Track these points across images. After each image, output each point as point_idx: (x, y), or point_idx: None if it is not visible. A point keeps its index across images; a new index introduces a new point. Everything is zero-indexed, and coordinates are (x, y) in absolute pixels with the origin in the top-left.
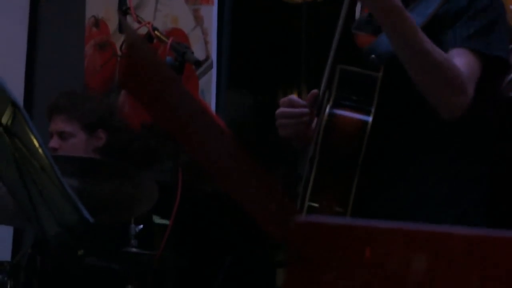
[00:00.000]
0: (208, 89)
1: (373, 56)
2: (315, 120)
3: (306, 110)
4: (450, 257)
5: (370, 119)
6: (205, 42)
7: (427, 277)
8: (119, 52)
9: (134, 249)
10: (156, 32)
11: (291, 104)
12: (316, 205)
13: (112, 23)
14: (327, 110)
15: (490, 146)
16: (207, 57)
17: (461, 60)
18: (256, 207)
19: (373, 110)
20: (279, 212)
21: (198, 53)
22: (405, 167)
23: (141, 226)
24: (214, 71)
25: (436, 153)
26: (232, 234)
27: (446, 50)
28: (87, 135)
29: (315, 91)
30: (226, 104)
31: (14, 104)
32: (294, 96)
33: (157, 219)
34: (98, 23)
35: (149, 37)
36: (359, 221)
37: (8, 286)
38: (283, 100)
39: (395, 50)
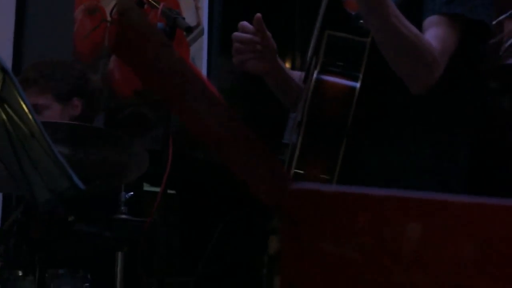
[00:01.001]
0: (199, 56)
1: (361, 21)
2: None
3: (254, 37)
4: (444, 225)
5: (358, 85)
6: (196, 8)
7: (421, 244)
8: (108, 18)
9: (124, 216)
10: None
11: (243, 30)
12: (302, 172)
13: None
14: (315, 75)
15: (472, 115)
16: (198, 24)
17: (436, 31)
18: (249, 174)
19: (361, 76)
20: (271, 179)
21: (189, 19)
22: (389, 134)
23: (131, 193)
24: (205, 37)
25: (419, 120)
26: (225, 200)
27: (425, 17)
28: (61, 105)
29: (259, 15)
30: (217, 71)
31: (3, 69)
32: (245, 23)
33: (147, 186)
34: None
35: (140, 2)
36: (353, 188)
37: None
38: (239, 25)
39: (367, 23)
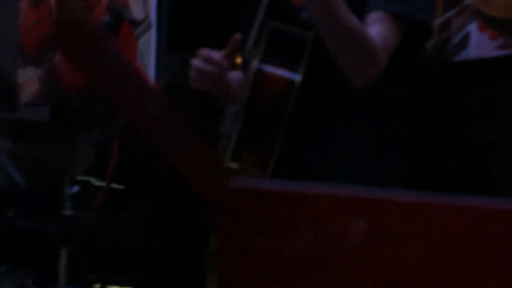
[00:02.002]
0: (147, 49)
1: (305, 14)
2: (237, 74)
3: (218, 70)
4: (386, 222)
5: (298, 77)
6: (144, 1)
7: (363, 241)
8: (54, 9)
9: (68, 212)
10: None
11: (206, 59)
12: (236, 165)
13: None
14: (255, 66)
15: (412, 112)
16: (146, 17)
17: (379, 27)
18: (190, 169)
19: (301, 69)
20: (210, 175)
21: (137, 13)
22: (327, 128)
23: (76, 188)
24: (153, 31)
25: (357, 115)
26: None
27: (369, 11)
28: None
29: (237, 36)
30: (166, 64)
31: None
32: (208, 51)
33: (96, 182)
34: None
35: None
36: (293, 185)
37: None
38: (200, 52)
39: (312, 13)
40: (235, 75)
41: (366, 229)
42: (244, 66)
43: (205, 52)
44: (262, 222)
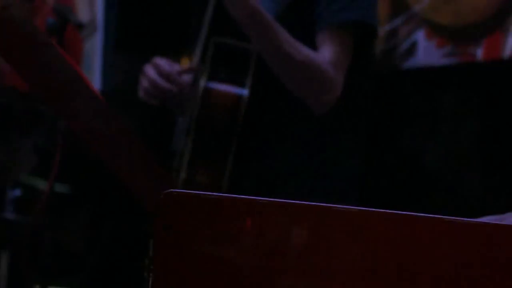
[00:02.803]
0: (93, 52)
1: (245, 31)
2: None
3: (174, 88)
4: (329, 231)
5: (245, 92)
6: (91, 3)
7: (307, 249)
8: None
9: (9, 215)
10: None
11: (162, 74)
12: (191, 179)
13: None
14: (202, 83)
15: (363, 121)
16: (93, 19)
17: (330, 47)
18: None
19: (248, 83)
20: (151, 181)
21: (83, 15)
22: (279, 140)
23: (18, 191)
24: (100, 33)
25: (309, 125)
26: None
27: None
28: None
29: (194, 65)
30: (112, 68)
31: None
32: (165, 64)
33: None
34: None
35: None
36: (238, 195)
37: None
38: (156, 63)
39: (260, 52)
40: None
41: (306, 237)
42: (193, 81)
43: (161, 63)
44: (198, 229)
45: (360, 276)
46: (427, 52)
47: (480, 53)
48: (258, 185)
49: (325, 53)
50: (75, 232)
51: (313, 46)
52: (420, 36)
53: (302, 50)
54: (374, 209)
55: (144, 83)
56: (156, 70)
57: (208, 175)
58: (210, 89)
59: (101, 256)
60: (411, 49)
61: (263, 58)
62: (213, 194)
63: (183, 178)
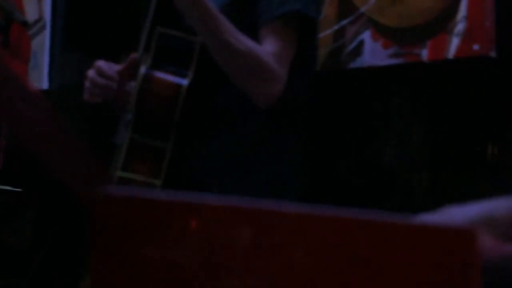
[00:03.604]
0: (41, 51)
1: (188, 20)
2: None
3: (112, 84)
4: (275, 233)
5: (186, 82)
6: (39, 1)
7: (253, 251)
8: None
9: None
10: None
11: (99, 73)
12: (127, 174)
13: None
14: (142, 72)
15: (304, 119)
16: (40, 17)
17: (272, 39)
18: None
19: (190, 74)
20: (89, 180)
21: (31, 13)
22: (218, 133)
23: None
24: (47, 31)
25: (249, 120)
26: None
27: (261, 23)
28: None
29: (135, 55)
30: (60, 66)
31: None
32: (103, 64)
33: None
34: None
35: None
36: (178, 195)
37: None
38: (95, 64)
39: (203, 42)
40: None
41: (252, 239)
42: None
43: (100, 64)
44: (136, 231)
45: (304, 277)
46: (373, 52)
47: (425, 54)
48: (195, 178)
49: (268, 46)
50: (21, 230)
51: (257, 41)
52: (367, 36)
53: (245, 41)
54: (317, 211)
55: (86, 84)
56: (95, 70)
57: (146, 166)
58: (150, 76)
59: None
60: (358, 50)
61: (207, 50)
62: (151, 196)
63: (120, 169)
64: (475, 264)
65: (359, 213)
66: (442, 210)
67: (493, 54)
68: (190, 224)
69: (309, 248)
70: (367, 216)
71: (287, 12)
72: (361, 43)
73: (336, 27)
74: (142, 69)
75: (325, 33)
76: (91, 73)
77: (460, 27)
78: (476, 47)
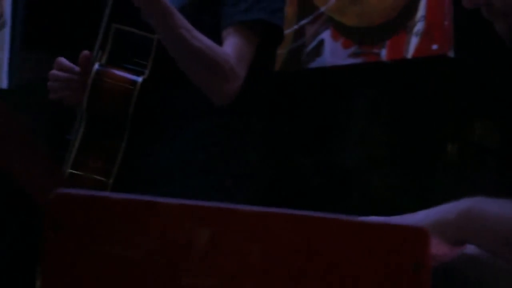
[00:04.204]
0: (1, 48)
1: (144, 16)
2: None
3: (72, 76)
4: (232, 232)
5: (140, 79)
6: None
7: (209, 249)
8: None
9: None
10: None
11: (60, 67)
12: (78, 172)
13: None
14: (96, 68)
15: (262, 116)
16: (0, 15)
17: (232, 41)
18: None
19: (146, 71)
20: (43, 178)
21: None
22: (172, 133)
23: None
24: (7, 29)
25: (204, 118)
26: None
27: (224, 24)
28: None
29: (86, 52)
30: (21, 65)
31: None
32: (62, 59)
33: None
34: None
35: None
36: (133, 195)
37: None
38: (55, 61)
39: (159, 37)
40: None
41: (209, 239)
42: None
43: (60, 59)
44: (90, 230)
45: (261, 275)
46: (333, 52)
47: (384, 53)
48: (147, 176)
49: (227, 46)
50: None
51: (216, 42)
52: (327, 36)
53: (203, 39)
54: (274, 210)
55: (49, 83)
56: (55, 65)
57: (97, 163)
58: (103, 72)
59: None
60: (318, 49)
61: (163, 49)
62: (108, 195)
63: (71, 166)
64: (426, 263)
65: (314, 212)
66: (394, 216)
67: (451, 54)
68: (147, 223)
69: (265, 247)
70: (321, 214)
71: (250, 21)
72: (321, 42)
73: (295, 27)
74: (96, 66)
75: (285, 33)
76: (52, 71)
77: (419, 26)
78: (435, 46)
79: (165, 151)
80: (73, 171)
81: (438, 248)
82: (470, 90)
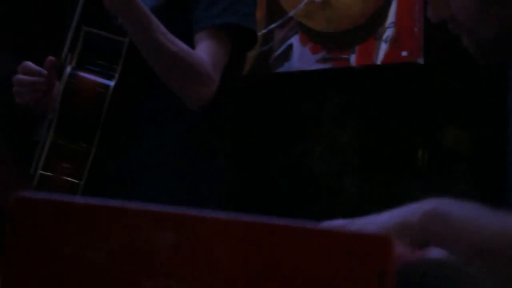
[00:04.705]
0: None
1: (120, 20)
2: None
3: (39, 79)
4: (195, 237)
5: (112, 83)
6: None
7: (173, 254)
8: None
9: None
10: None
11: (26, 71)
12: (49, 173)
13: None
14: (68, 71)
15: (231, 120)
16: None
17: (206, 44)
18: None
19: (117, 75)
20: (6, 182)
21: None
22: (142, 136)
23: None
24: None
25: (171, 124)
26: None
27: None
28: None
29: (52, 58)
30: None
31: None
32: (29, 63)
33: None
34: None
35: None
36: (97, 199)
37: None
38: (20, 66)
39: (133, 40)
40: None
41: (172, 244)
42: (60, 75)
43: (26, 63)
44: (53, 232)
45: (223, 281)
46: (301, 57)
47: (353, 59)
48: (118, 180)
49: (201, 50)
50: None
51: (188, 45)
52: (295, 41)
53: (177, 43)
54: (235, 217)
55: (14, 88)
56: (21, 69)
57: (68, 166)
58: (76, 77)
59: None
60: (286, 54)
61: (134, 52)
62: (65, 198)
63: (42, 168)
64: (390, 270)
65: (278, 219)
66: (358, 219)
67: (421, 61)
68: (110, 227)
69: (228, 253)
70: (284, 222)
71: (223, 24)
72: (290, 47)
73: (264, 31)
74: (68, 69)
75: None
76: (16, 76)
77: (389, 33)
78: (404, 53)
79: (137, 154)
80: (44, 173)
81: (401, 251)
82: (440, 96)
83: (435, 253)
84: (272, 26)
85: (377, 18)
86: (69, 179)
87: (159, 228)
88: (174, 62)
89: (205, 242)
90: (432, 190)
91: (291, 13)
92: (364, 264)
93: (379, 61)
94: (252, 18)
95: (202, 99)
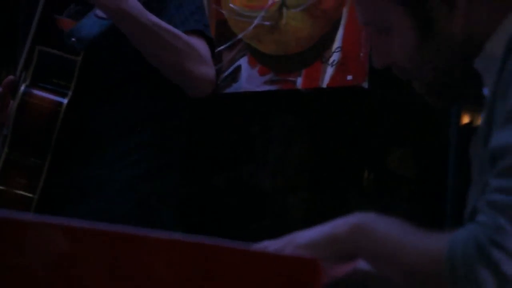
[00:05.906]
0: None
1: (73, 39)
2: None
3: None
4: (134, 256)
5: (65, 101)
6: None
7: (110, 274)
8: None
9: None
10: None
11: None
12: (2, 187)
13: None
14: (22, 89)
15: (181, 139)
16: None
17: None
18: None
19: (70, 93)
20: None
21: None
22: (93, 151)
23: None
24: None
25: (123, 140)
26: None
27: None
28: None
29: (11, 77)
30: None
31: None
32: None
33: None
34: None
35: None
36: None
37: None
38: None
39: (128, 35)
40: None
41: (111, 263)
42: (15, 93)
43: None
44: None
45: None
46: (249, 78)
47: (300, 81)
48: (74, 194)
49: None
50: None
51: None
52: (244, 62)
53: (174, 30)
54: (170, 236)
55: None
56: None
57: (21, 180)
58: (30, 95)
59: None
60: (235, 75)
61: (86, 71)
62: (13, 215)
63: None
64: None
65: (215, 239)
66: (290, 234)
67: (365, 85)
68: (21, 244)
69: (159, 273)
70: (218, 242)
71: (190, 31)
72: (238, 68)
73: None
74: (22, 87)
75: None
76: None
77: (335, 57)
78: (349, 77)
79: (90, 169)
80: None
81: (328, 266)
82: (384, 120)
83: (363, 265)
84: (221, 47)
85: (324, 42)
86: (23, 193)
87: (97, 247)
88: (179, 44)
89: (144, 262)
90: (377, 209)
91: (240, 35)
92: (291, 285)
93: (324, 84)
94: (210, 29)
95: (206, 82)
